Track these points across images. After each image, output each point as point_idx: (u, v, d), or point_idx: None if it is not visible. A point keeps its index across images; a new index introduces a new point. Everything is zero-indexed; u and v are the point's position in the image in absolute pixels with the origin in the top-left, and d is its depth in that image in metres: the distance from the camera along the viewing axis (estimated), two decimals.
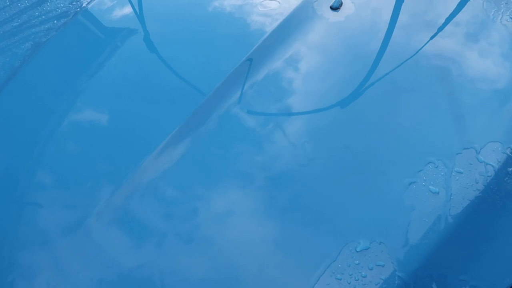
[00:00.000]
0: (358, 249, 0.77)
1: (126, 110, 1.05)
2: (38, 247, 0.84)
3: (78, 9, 1.33)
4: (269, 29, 1.16)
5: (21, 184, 0.94)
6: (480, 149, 0.89)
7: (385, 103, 0.98)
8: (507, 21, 1.16)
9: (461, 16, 1.19)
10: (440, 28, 1.14)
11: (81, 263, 0.81)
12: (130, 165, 0.92)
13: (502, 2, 1.21)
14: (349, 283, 0.74)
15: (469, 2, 1.22)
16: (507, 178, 0.86)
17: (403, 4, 1.23)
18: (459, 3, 1.22)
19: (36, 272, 0.81)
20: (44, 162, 0.98)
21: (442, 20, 1.17)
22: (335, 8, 1.23)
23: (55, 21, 1.32)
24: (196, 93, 1.04)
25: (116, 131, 1.01)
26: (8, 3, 1.39)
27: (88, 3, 1.36)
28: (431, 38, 1.11)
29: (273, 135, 0.95)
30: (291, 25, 1.18)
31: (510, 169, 0.87)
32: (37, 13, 1.37)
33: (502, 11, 1.20)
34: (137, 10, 1.34)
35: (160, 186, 0.89)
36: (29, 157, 0.98)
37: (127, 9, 1.34)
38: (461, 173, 0.86)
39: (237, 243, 0.81)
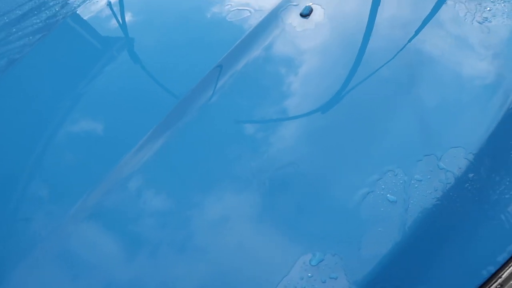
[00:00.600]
0: (312, 262, 0.77)
1: (100, 113, 1.09)
2: (11, 250, 0.86)
3: (54, 25, 1.35)
4: (240, 36, 1.17)
5: None
6: (442, 155, 0.88)
7: (345, 111, 0.97)
8: (478, 23, 1.15)
9: (435, 18, 1.18)
10: (412, 33, 1.13)
11: (56, 265, 0.82)
12: (105, 167, 0.94)
13: (473, 4, 1.20)
14: None
15: (441, 6, 1.21)
16: (467, 185, 0.85)
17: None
18: (433, 7, 1.21)
19: (8, 274, 0.82)
20: (20, 164, 1.00)
21: (415, 24, 1.16)
22: (304, 15, 1.23)
23: (30, 37, 1.34)
24: (169, 96, 1.07)
25: (89, 135, 1.04)
26: None
27: (63, 17, 1.38)
28: (399, 44, 1.10)
29: (240, 136, 0.97)
30: (261, 33, 1.18)
31: (471, 175, 0.86)
32: (14, 29, 1.39)
33: (474, 12, 1.19)
34: (111, 19, 1.36)
35: (134, 188, 0.91)
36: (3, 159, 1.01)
37: (102, 19, 1.36)
38: (421, 180, 0.85)
39: (216, 242, 0.82)
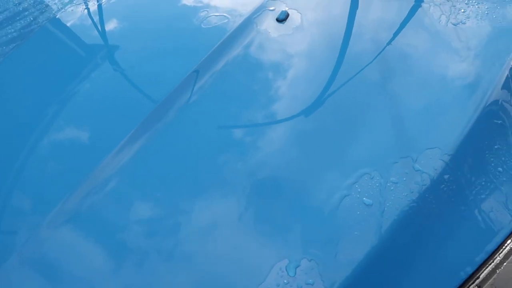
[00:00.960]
0: (288, 268, 0.76)
1: (78, 118, 1.09)
2: None
3: (29, 34, 1.33)
4: (217, 42, 1.16)
5: None
6: (417, 157, 0.88)
7: (320, 115, 0.97)
8: (453, 25, 1.16)
9: (410, 22, 1.18)
10: (388, 36, 1.14)
11: (33, 272, 0.81)
12: (83, 172, 0.94)
13: (447, 6, 1.21)
14: None
15: (417, 9, 1.21)
16: (443, 186, 0.85)
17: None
18: (409, 11, 1.22)
19: None
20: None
21: (390, 27, 1.16)
22: (281, 20, 1.22)
23: (4, 47, 1.32)
24: (147, 100, 1.08)
25: (67, 139, 1.04)
26: None
27: (39, 25, 1.36)
28: (374, 47, 1.10)
29: (216, 139, 0.97)
30: (237, 38, 1.18)
31: (447, 176, 0.86)
32: None
33: (448, 14, 1.20)
34: (89, 25, 1.35)
35: (113, 191, 0.90)
36: None
37: (79, 26, 1.36)
38: (397, 183, 0.84)
39: (192, 242, 0.82)
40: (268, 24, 1.21)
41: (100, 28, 1.36)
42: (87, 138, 1.03)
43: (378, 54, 1.08)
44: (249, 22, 1.22)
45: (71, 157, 0.99)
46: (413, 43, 1.11)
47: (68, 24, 1.39)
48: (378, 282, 0.76)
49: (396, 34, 1.14)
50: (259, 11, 1.25)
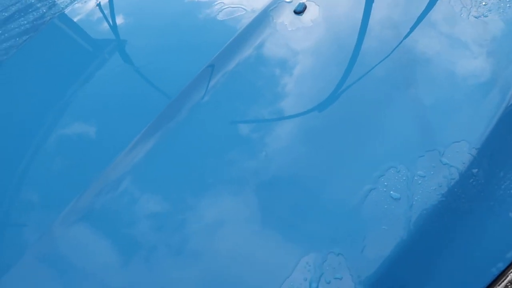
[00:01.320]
0: (315, 262, 0.73)
1: (91, 114, 1.05)
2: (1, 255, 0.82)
3: (41, 26, 1.31)
4: (232, 35, 1.14)
5: None
6: (444, 150, 0.85)
7: (344, 110, 0.94)
8: (474, 17, 1.13)
9: (430, 15, 1.16)
10: (409, 28, 1.11)
11: (47, 269, 0.79)
12: (96, 169, 0.91)
13: None
14: None
15: (437, 2, 1.19)
16: (472, 180, 0.82)
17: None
18: (428, 3, 1.19)
19: None
20: (12, 164, 0.97)
21: (411, 20, 1.14)
22: (298, 12, 1.20)
23: (17, 39, 1.30)
24: (161, 96, 1.04)
25: (81, 135, 1.01)
26: None
27: (51, 18, 1.34)
28: (395, 41, 1.08)
29: (234, 136, 0.94)
30: (254, 31, 1.16)
31: (475, 170, 0.83)
32: None
33: (469, 7, 1.17)
34: (101, 20, 1.32)
35: (126, 189, 0.88)
36: None
37: (91, 21, 1.33)
38: (424, 177, 0.82)
39: (203, 242, 0.79)
40: (285, 16, 1.19)
41: (111, 22, 1.33)
42: (100, 135, 1.00)
43: (399, 48, 1.06)
44: (265, 15, 1.20)
45: (84, 154, 0.97)
46: (434, 37, 1.09)
47: (79, 18, 1.36)
48: (407, 277, 0.73)
49: (416, 27, 1.11)
50: (276, 3, 1.22)
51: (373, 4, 1.20)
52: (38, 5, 1.42)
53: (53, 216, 0.85)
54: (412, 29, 1.11)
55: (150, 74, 1.11)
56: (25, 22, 1.35)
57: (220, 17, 1.23)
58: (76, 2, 1.42)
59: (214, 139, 0.94)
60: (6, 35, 1.33)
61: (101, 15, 1.35)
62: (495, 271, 0.74)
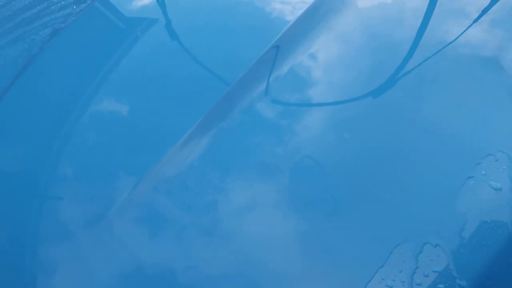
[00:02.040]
0: (410, 253, 0.67)
1: (147, 102, 0.98)
2: (58, 243, 0.78)
3: None
4: (293, 17, 1.07)
5: (41, 179, 0.88)
6: None
7: (432, 92, 0.87)
8: None
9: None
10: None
11: (101, 259, 0.75)
12: (152, 158, 0.85)
13: None
14: None
15: None
16: None
17: None
18: None
19: (54, 268, 0.76)
20: (64, 156, 0.92)
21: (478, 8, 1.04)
22: None
23: (74, 7, 1.26)
24: (219, 83, 0.96)
25: (137, 124, 0.94)
26: None
27: None
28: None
29: (299, 127, 0.87)
30: (317, 12, 1.08)
31: None
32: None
33: None
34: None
35: (182, 179, 0.82)
36: (48, 150, 0.92)
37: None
38: None
39: (261, 238, 0.73)
40: None
41: (167, 4, 1.26)
42: (156, 122, 0.93)
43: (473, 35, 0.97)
44: None
45: (139, 143, 0.91)
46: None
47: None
48: (510, 274, 0.67)
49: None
50: None
51: None
52: None
53: (108, 208, 0.80)
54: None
55: (206, 59, 1.03)
56: None
57: None
58: None
59: (273, 130, 0.87)
60: (63, 2, 1.29)
61: None
62: None
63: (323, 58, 0.99)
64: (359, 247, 0.70)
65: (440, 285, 0.64)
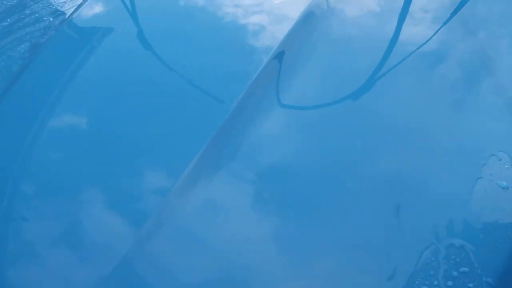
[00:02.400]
0: (438, 254, 0.71)
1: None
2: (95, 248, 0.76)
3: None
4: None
5: (67, 186, 0.85)
6: None
7: (435, 93, 0.92)
8: None
9: None
10: None
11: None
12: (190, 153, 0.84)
13: None
14: None
15: None
16: None
17: None
18: None
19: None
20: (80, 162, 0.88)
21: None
22: None
23: (51, 19, 1.20)
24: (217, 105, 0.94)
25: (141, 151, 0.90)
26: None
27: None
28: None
29: (298, 130, 0.90)
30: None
31: None
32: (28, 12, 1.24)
33: None
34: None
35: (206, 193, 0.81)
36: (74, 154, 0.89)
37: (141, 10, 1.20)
38: None
39: (261, 241, 0.75)
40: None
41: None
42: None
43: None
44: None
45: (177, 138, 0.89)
46: None
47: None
48: None
49: None
50: None
51: None
52: None
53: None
54: None
55: (201, 76, 1.00)
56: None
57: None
58: None
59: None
60: (36, 15, 1.22)
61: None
62: None
63: (313, 67, 1.01)
64: (394, 250, 0.73)
65: (469, 284, 0.69)
